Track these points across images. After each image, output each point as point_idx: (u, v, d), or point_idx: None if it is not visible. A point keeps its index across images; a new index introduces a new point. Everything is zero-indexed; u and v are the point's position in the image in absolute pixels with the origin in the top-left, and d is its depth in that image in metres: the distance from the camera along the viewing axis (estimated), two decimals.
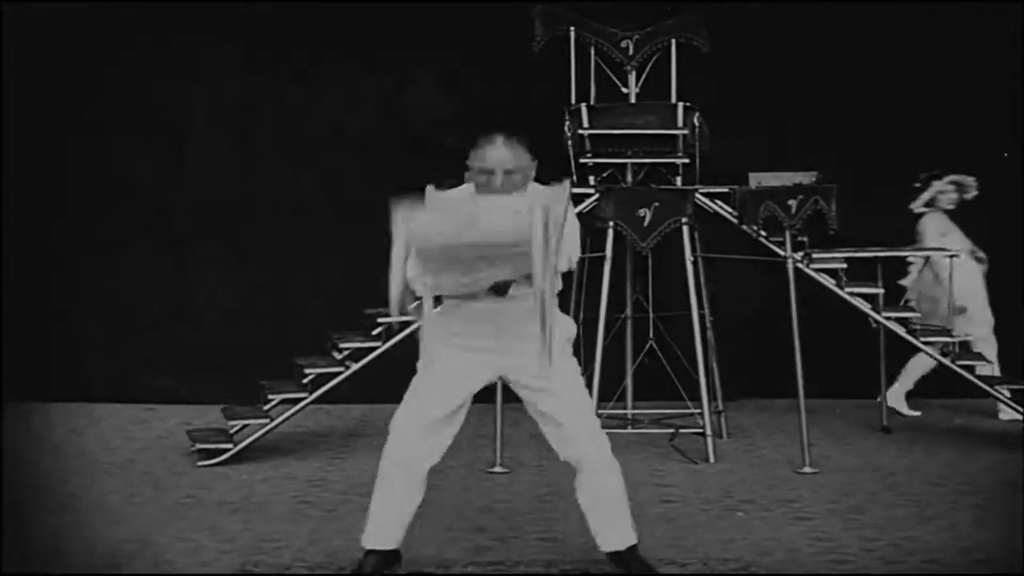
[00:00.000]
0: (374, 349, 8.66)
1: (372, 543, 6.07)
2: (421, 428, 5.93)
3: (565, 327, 5.99)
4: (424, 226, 5.61)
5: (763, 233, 8.76)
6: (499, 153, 5.80)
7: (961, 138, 10.07)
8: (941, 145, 10.02)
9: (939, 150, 9.97)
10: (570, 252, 5.75)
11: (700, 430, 8.68)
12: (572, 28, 9.14)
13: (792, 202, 8.61)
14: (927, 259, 9.59)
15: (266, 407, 8.68)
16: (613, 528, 6.09)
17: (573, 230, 5.79)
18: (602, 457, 5.99)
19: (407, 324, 8.54)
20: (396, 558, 6.14)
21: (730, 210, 8.80)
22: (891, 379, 9.61)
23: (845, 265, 8.79)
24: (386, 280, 5.62)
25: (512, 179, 5.80)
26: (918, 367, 9.70)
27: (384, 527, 6.04)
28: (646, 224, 8.64)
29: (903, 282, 9.72)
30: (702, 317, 8.95)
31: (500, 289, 5.76)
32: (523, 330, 5.79)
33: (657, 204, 8.67)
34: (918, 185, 9.71)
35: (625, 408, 9.41)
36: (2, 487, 7.49)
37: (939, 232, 9.59)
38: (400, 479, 5.97)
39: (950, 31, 10.02)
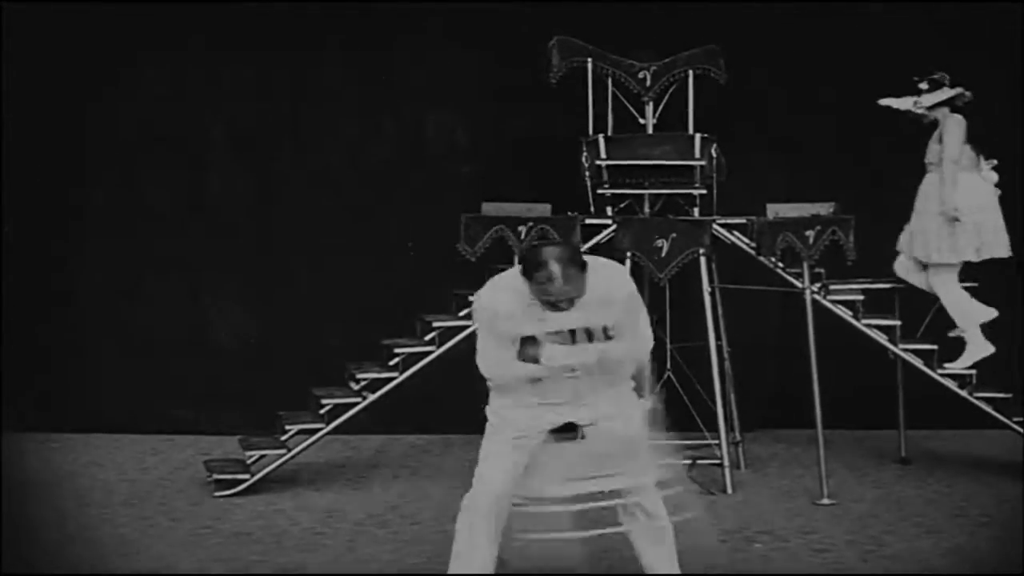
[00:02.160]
0: (391, 380, 8.66)
1: None
2: (505, 479, 5.93)
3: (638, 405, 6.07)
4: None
5: (781, 264, 8.76)
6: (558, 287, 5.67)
7: None
8: None
9: None
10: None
11: (718, 461, 8.66)
12: (589, 59, 9.18)
13: (810, 233, 8.62)
14: None
15: (283, 437, 8.68)
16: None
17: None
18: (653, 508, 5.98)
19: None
20: None
21: (747, 241, 8.80)
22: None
23: (862, 297, 8.79)
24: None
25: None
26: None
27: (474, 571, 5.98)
28: (663, 255, 8.65)
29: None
30: (719, 348, 8.95)
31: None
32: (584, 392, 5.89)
33: (674, 235, 8.68)
34: (924, 86, 8.88)
35: None
36: (1, 503, 7.51)
37: (963, 140, 8.77)
38: (486, 526, 5.92)
39: (969, 58, 9.99)
